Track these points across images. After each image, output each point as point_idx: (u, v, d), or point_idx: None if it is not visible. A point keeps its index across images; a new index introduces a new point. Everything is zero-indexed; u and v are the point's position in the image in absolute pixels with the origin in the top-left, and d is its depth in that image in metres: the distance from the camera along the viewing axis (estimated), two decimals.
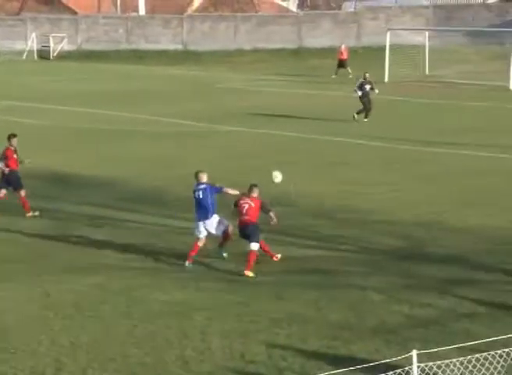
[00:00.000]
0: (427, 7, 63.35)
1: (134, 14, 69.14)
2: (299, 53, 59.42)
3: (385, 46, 46.92)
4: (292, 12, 72.57)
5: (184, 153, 27.35)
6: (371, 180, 22.98)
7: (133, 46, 63.65)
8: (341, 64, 49.18)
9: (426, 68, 46.69)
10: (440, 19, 59.54)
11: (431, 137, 28.99)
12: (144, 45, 63.47)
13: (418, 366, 9.07)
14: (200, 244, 16.28)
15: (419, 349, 9.53)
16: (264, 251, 16.23)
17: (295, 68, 52.97)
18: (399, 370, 9.15)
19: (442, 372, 9.80)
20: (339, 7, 74.61)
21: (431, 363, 9.52)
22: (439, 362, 9.67)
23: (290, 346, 12.42)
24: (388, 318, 13.40)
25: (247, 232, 16.03)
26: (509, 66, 42.13)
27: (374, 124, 32.37)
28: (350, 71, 48.56)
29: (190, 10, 71.51)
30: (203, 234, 16.26)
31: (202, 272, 15.82)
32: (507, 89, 41.34)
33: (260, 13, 68.00)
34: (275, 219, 16.39)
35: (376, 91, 33.54)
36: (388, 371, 9.31)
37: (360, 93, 32.99)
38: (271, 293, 14.55)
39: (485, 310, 13.61)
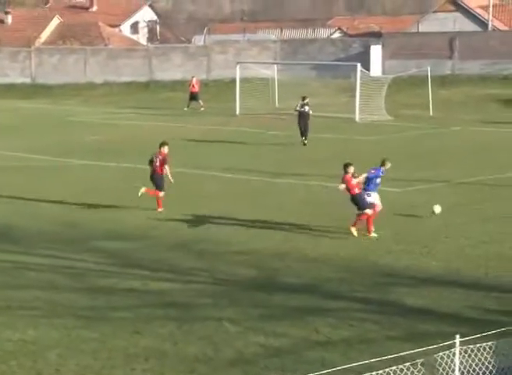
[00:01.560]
0: (274, 41, 64.67)
1: None
2: (150, 86, 59.48)
3: (235, 79, 47.56)
4: (142, 45, 72.62)
5: (34, 188, 26.81)
6: (224, 212, 23.16)
7: None
8: (193, 97, 49.55)
9: (276, 101, 47.56)
10: (287, 54, 60.92)
11: (281, 169, 29.51)
12: None
13: None
14: (370, 212, 20.37)
15: None
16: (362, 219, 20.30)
17: (147, 101, 52.98)
18: None
19: None
20: (189, 41, 75.22)
21: None
22: None
23: None
24: (244, 349, 13.48)
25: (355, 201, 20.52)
26: (354, 99, 43.43)
27: (227, 156, 32.70)
28: (201, 103, 48.96)
29: (37, 43, 70.45)
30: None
31: (56, 308, 15.49)
32: (354, 121, 42.58)
33: (110, 46, 67.70)
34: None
35: (311, 111, 35.56)
36: None
37: (302, 109, 35.04)
38: (127, 328, 14.39)
39: (339, 338, 13.89)
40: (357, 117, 42.94)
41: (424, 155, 32.72)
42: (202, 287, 16.76)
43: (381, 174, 20.96)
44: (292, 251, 19.10)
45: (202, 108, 48.65)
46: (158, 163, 23.32)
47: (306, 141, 34.93)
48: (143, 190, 23.29)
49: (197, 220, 22.29)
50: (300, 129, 35.30)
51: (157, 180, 23.30)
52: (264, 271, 17.73)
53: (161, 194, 23.28)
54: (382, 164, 21.12)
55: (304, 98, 35.82)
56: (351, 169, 20.56)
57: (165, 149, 23.45)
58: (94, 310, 15.33)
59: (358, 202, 20.49)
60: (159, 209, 23.20)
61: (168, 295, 16.15)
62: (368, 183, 20.72)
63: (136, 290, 16.46)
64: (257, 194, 25.44)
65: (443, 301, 15.60)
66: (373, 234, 20.28)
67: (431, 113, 44.70)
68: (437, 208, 21.82)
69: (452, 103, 48.93)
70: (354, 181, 20.55)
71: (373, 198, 20.72)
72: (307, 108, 35.31)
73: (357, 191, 20.51)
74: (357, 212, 20.52)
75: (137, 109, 49.07)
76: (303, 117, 35.23)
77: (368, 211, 20.34)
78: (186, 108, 48.81)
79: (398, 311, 15.10)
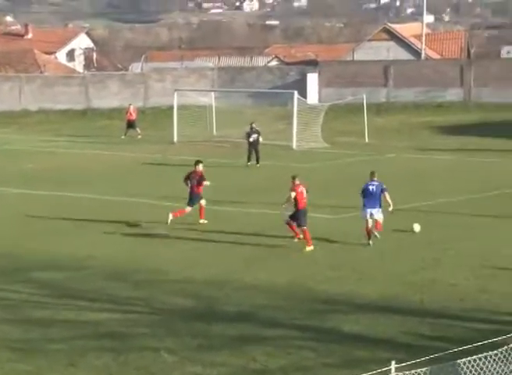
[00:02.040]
0: (212, 69, 64.88)
1: None
2: (87, 114, 59.12)
3: (172, 106, 47.54)
4: (78, 72, 72.25)
5: None
6: (163, 241, 23.08)
7: None
8: (130, 124, 49.33)
9: (214, 128, 47.65)
10: (225, 81, 61.15)
11: (219, 196, 29.51)
12: None
13: None
14: (370, 225, 21.79)
15: None
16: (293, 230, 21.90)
17: (84, 129, 52.59)
18: None
19: None
20: (126, 68, 75.07)
21: None
22: None
23: None
24: None
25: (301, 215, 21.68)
26: (292, 126, 43.73)
27: (165, 184, 32.60)
28: (139, 131, 48.77)
29: None
30: (369, 218, 21.77)
31: None
32: (291, 148, 42.82)
33: (45, 74, 67.22)
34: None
35: (261, 139, 37.03)
36: None
37: (251, 139, 36.80)
38: (63, 360, 14.21)
39: (276, 366, 13.90)
40: (294, 145, 43.19)
41: (360, 181, 32.84)
42: (139, 317, 16.66)
43: (376, 183, 22.15)
44: (230, 279, 19.10)
45: (139, 136, 48.47)
46: (195, 182, 24.40)
47: (258, 165, 36.81)
48: (170, 216, 24.10)
49: (134, 249, 22.17)
50: (249, 154, 36.97)
51: (192, 197, 24.35)
52: (203, 300, 17.70)
53: (188, 209, 24.35)
54: (372, 176, 22.35)
55: (251, 125, 37.81)
56: (297, 181, 22.09)
57: (200, 167, 24.64)
58: (29, 342, 15.13)
59: (302, 217, 21.69)
60: (169, 220, 24.08)
61: (104, 326, 16.02)
62: (370, 199, 21.92)
63: (71, 321, 16.29)
64: (196, 222, 25.37)
65: (379, 327, 15.75)
66: (311, 248, 21.55)
67: (366, 140, 45.17)
68: (416, 227, 23.17)
69: (387, 130, 49.52)
70: (305, 194, 21.98)
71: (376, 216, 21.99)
72: (255, 135, 37.14)
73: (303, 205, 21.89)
74: (298, 228, 21.88)
75: (74, 137, 48.68)
76: (252, 144, 37.11)
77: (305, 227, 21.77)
78: (123, 136, 48.57)
79: (335, 338, 15.20)
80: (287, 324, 15.99)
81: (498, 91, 56.90)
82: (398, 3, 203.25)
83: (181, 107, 46.90)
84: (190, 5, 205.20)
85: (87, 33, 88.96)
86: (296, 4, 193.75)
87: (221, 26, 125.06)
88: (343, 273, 19.59)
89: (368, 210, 21.97)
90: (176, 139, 45.71)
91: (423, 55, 67.03)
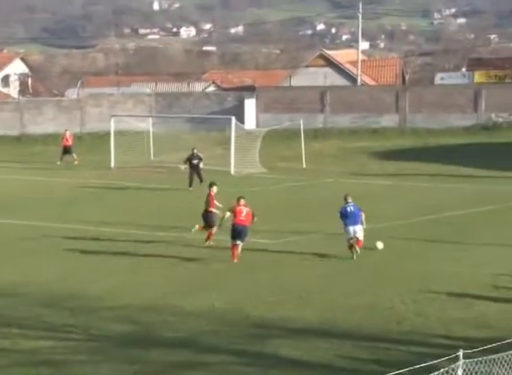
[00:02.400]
0: (149, 95, 64.79)
1: None
2: (21, 140, 58.51)
3: (109, 132, 47.34)
4: (13, 98, 71.51)
5: None
6: (100, 266, 22.88)
7: None
8: (66, 150, 48.96)
9: (151, 153, 47.54)
10: (162, 107, 61.09)
11: (158, 221, 29.41)
12: None
13: None
14: (353, 241, 23.19)
15: None
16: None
17: (18, 155, 52.02)
18: None
19: None
20: (63, 94, 74.50)
21: None
22: None
23: None
24: None
25: (242, 232, 22.86)
26: (229, 152, 43.84)
27: (101, 210, 32.36)
28: (75, 157, 48.43)
29: None
30: (352, 235, 23.24)
31: None
32: (229, 173, 42.91)
33: None
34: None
35: (201, 165, 38.44)
36: None
37: (184, 167, 38.46)
38: None
39: None
40: (232, 170, 43.29)
41: (297, 206, 33.20)
42: (76, 344, 16.46)
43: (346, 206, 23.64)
44: (168, 304, 18.99)
45: (76, 162, 48.12)
46: (208, 202, 25.21)
47: (202, 183, 37.08)
48: (196, 227, 25.08)
49: (70, 276, 21.91)
50: (191, 178, 37.90)
51: (207, 218, 25.02)
52: (141, 326, 17.56)
53: (214, 229, 24.86)
54: (346, 198, 23.77)
55: (193, 151, 39.04)
56: (242, 202, 23.30)
57: (214, 189, 25.71)
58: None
59: (244, 234, 22.94)
60: (210, 242, 24.88)
61: (40, 354, 15.77)
62: (350, 218, 23.39)
63: (5, 349, 16.02)
64: (134, 247, 25.21)
65: (317, 351, 15.78)
66: (235, 261, 22.75)
67: (304, 165, 45.47)
68: (379, 245, 24.25)
69: (324, 156, 49.92)
70: (244, 214, 22.91)
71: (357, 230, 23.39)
72: (195, 161, 38.43)
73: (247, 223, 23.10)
74: (237, 242, 22.91)
75: (8, 163, 48.11)
76: (193, 168, 38.42)
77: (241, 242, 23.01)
78: (59, 162, 48.17)
79: (273, 363, 15.18)
80: (226, 350, 15.93)
81: (432, 116, 57.80)
82: (334, 30, 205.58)
83: (118, 133, 46.74)
84: (127, 30, 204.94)
85: (22, 59, 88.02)
86: (233, 30, 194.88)
87: (158, 52, 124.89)
88: (282, 298, 19.62)
89: (351, 228, 23.43)
90: (113, 164, 45.49)
91: (359, 81, 67.82)
